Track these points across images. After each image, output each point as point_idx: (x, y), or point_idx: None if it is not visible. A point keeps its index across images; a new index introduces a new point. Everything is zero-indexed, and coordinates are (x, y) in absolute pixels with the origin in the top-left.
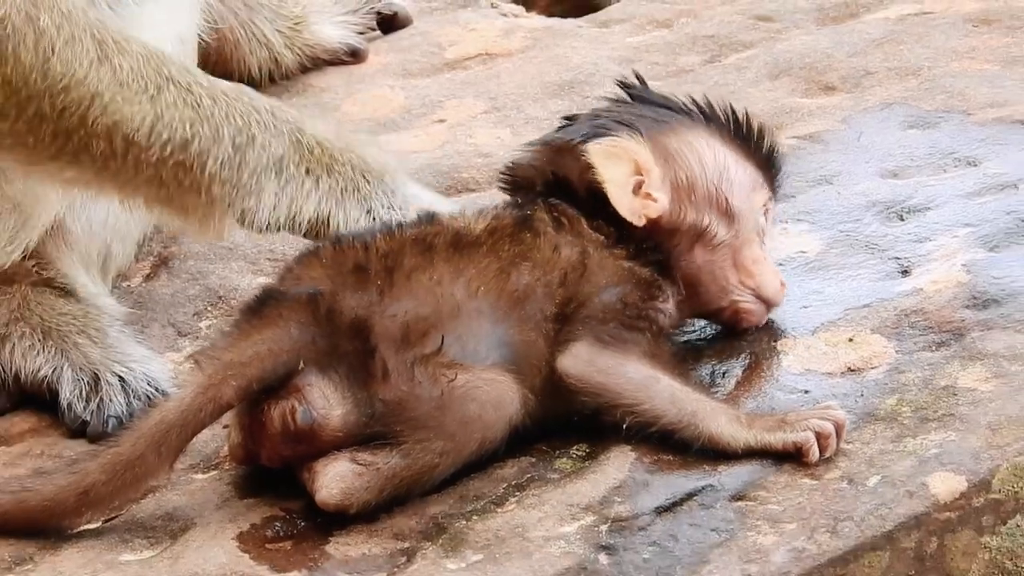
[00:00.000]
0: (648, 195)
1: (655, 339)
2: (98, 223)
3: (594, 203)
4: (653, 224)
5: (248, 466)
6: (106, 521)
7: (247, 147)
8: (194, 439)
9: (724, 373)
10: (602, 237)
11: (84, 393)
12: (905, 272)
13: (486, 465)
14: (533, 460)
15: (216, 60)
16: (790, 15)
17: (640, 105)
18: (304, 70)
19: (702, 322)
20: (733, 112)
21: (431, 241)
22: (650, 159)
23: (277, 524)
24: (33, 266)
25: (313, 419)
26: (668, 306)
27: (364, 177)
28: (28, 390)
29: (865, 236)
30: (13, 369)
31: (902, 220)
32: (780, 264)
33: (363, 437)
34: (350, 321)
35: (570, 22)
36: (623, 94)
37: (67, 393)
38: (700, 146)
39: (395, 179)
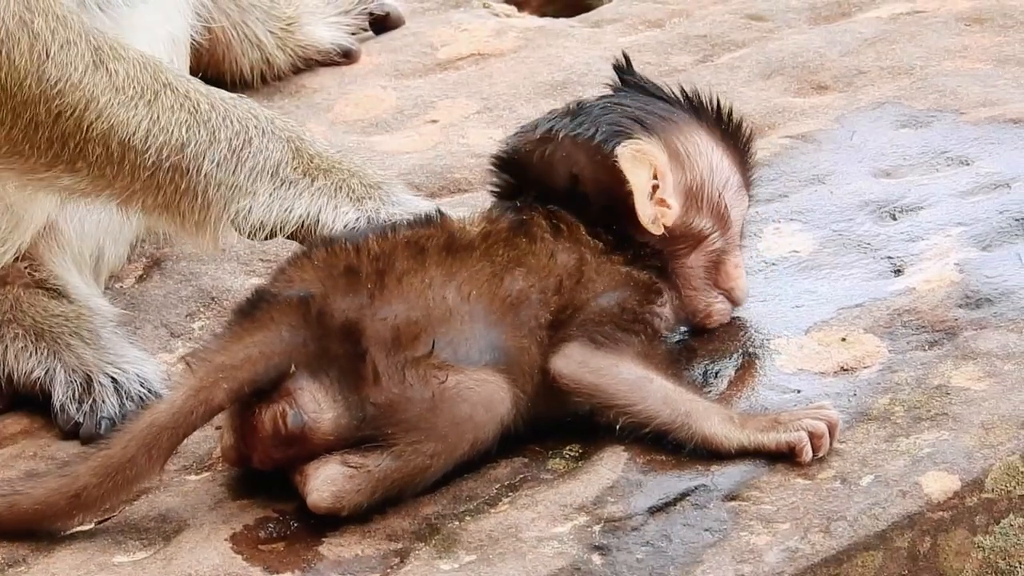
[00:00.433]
0: (662, 201)
1: (649, 341)
2: (91, 224)
3: (601, 205)
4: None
5: (240, 468)
6: (99, 523)
7: (243, 150)
8: (187, 441)
9: (717, 373)
10: (600, 243)
11: (77, 395)
12: (898, 271)
13: (479, 465)
14: (526, 460)
15: (208, 61)
16: (782, 14)
17: (639, 96)
18: (296, 71)
19: None
20: (721, 107)
21: (423, 244)
22: (667, 164)
23: (270, 525)
24: (26, 267)
25: (304, 423)
26: (665, 310)
27: (360, 182)
28: (21, 391)
29: (858, 235)
30: (6, 371)
31: (895, 219)
32: (773, 264)
33: (354, 440)
34: (341, 324)
35: (562, 22)
36: (617, 81)
37: (60, 395)
38: (706, 149)
39: (392, 189)
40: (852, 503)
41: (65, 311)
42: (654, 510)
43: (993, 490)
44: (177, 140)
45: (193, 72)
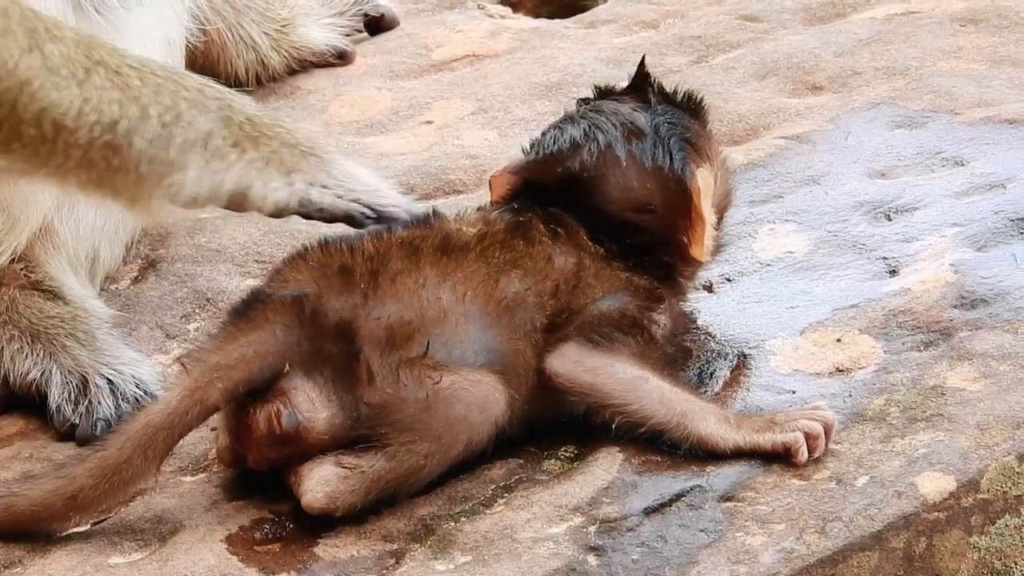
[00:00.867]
0: (713, 226)
1: (646, 344)
2: (86, 226)
3: (658, 231)
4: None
5: (236, 469)
6: (95, 524)
7: (174, 124)
8: (182, 442)
9: (712, 374)
10: (601, 249)
11: (73, 396)
12: (893, 272)
13: (474, 466)
14: (521, 461)
15: (203, 62)
16: (777, 15)
17: (671, 109)
18: (291, 72)
19: None
20: (706, 109)
21: (418, 244)
22: (714, 189)
23: (266, 526)
24: (21, 269)
25: (298, 422)
26: (663, 318)
27: (291, 152)
28: (17, 393)
29: (853, 236)
30: (2, 372)
31: (890, 220)
32: (768, 265)
33: (349, 440)
34: (335, 323)
35: (557, 23)
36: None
37: (56, 396)
38: (719, 162)
39: (328, 155)
40: (848, 504)
41: (61, 313)
42: (649, 511)
43: (989, 490)
44: (108, 118)
45: None
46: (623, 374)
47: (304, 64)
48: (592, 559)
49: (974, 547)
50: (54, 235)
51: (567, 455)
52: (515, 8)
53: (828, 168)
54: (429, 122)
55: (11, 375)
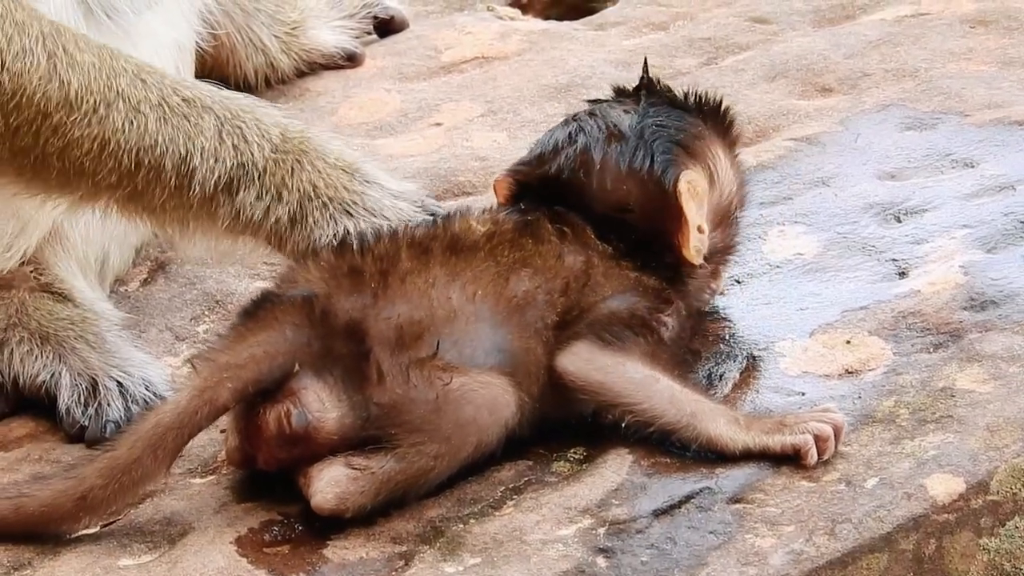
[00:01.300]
0: (700, 227)
1: (656, 344)
2: (96, 229)
3: (646, 231)
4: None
5: (245, 470)
6: (104, 526)
7: (187, 172)
8: (191, 444)
9: (721, 376)
10: (608, 248)
11: (82, 398)
12: (902, 274)
13: (483, 468)
14: (530, 463)
15: (213, 65)
16: (786, 17)
17: (669, 110)
18: (300, 75)
19: None
20: (727, 111)
21: (428, 244)
22: (707, 191)
23: (275, 528)
24: (31, 271)
25: (308, 422)
26: (671, 320)
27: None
28: (26, 395)
29: (862, 238)
30: (11, 374)
31: (899, 222)
32: (777, 266)
33: (359, 440)
34: (345, 323)
35: (566, 25)
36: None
37: (65, 398)
38: (724, 162)
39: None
40: (857, 505)
41: (70, 315)
42: (658, 513)
43: (998, 492)
44: (125, 166)
45: (198, 76)
46: (634, 373)
47: (313, 66)
48: (601, 561)
49: (984, 549)
50: (64, 238)
51: (576, 457)
52: (524, 10)
53: (838, 170)
54: (438, 124)
55: (21, 377)
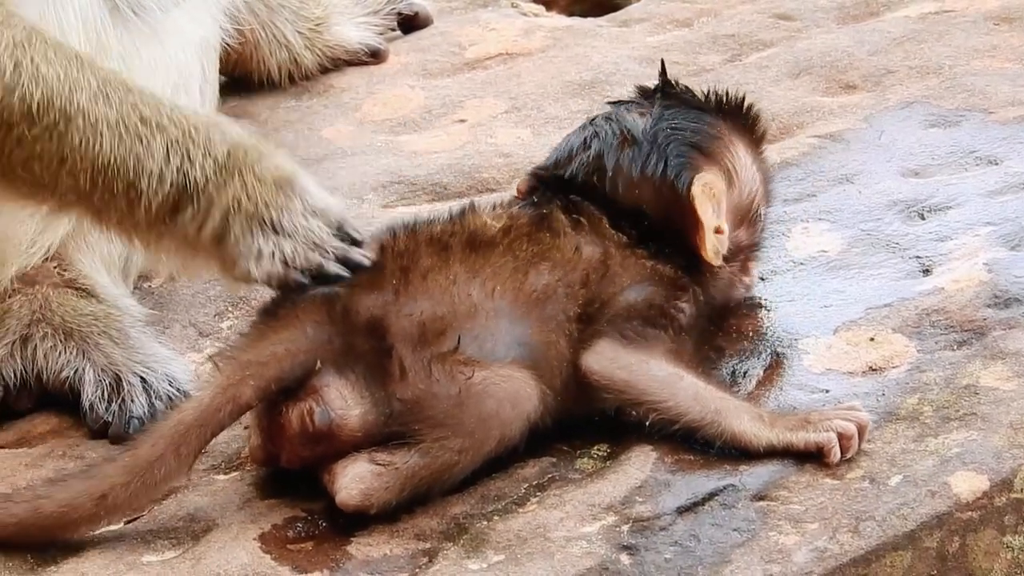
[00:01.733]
0: (718, 228)
1: (676, 337)
2: None
3: (665, 232)
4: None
5: (268, 467)
6: (128, 522)
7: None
8: (215, 440)
9: (745, 373)
10: (624, 237)
11: (106, 394)
12: (926, 271)
13: (507, 465)
14: (554, 460)
15: (236, 61)
16: (811, 14)
17: (685, 111)
18: (324, 71)
19: None
20: (742, 102)
21: (447, 241)
22: (724, 192)
23: (299, 525)
24: (55, 267)
25: (331, 419)
26: (688, 307)
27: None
28: (50, 391)
29: (886, 235)
30: (35, 370)
31: (923, 219)
32: (801, 263)
33: (382, 436)
34: (366, 320)
35: (590, 21)
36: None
37: (89, 394)
38: (745, 161)
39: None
40: (881, 503)
41: (94, 311)
42: (682, 510)
43: (1022, 490)
44: (82, 185)
45: (221, 73)
46: (658, 371)
47: (337, 63)
48: (625, 558)
49: (1007, 547)
50: (87, 234)
51: (600, 454)
52: (548, 6)
53: (861, 167)
54: (462, 120)
55: (44, 373)
